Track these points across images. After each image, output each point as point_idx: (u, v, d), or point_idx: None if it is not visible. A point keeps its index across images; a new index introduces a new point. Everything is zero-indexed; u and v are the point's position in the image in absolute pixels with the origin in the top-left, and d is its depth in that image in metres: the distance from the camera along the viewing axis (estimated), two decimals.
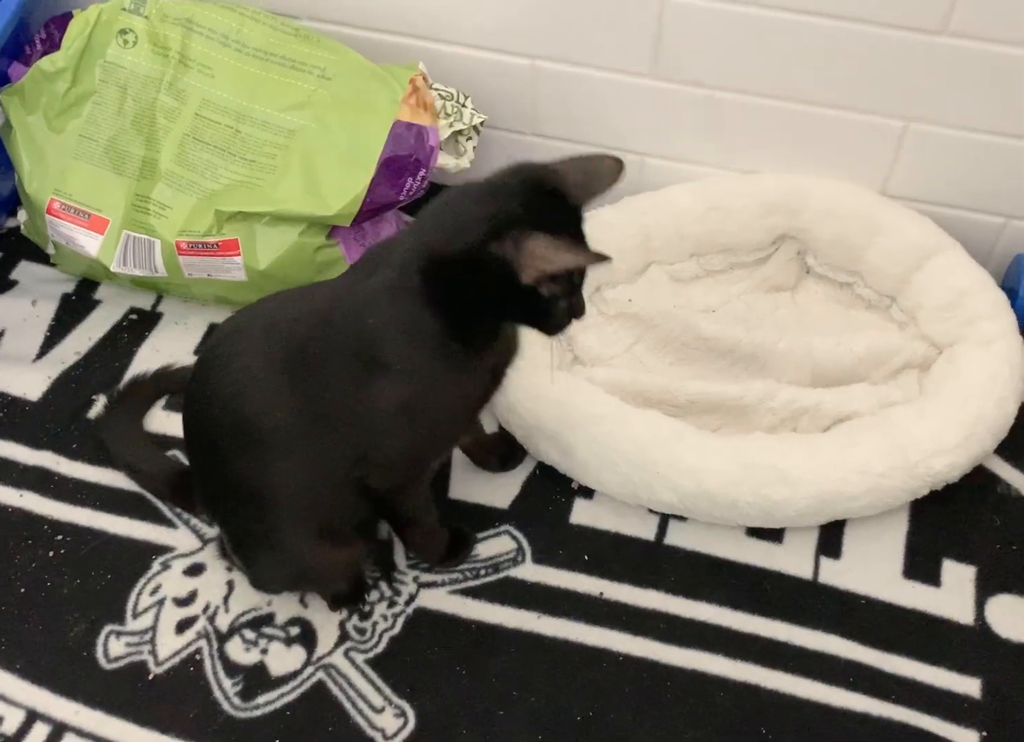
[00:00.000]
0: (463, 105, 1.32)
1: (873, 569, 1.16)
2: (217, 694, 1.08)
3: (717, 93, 1.32)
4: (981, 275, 1.30)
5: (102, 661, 1.10)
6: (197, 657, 1.10)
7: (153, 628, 1.11)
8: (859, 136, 1.32)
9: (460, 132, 1.32)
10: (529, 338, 1.25)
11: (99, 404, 1.28)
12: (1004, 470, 1.23)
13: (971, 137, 1.28)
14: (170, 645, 1.11)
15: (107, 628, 1.12)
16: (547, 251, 0.86)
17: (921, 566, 1.16)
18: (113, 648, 1.11)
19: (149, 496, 1.21)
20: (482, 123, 1.34)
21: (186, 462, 1.17)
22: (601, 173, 0.94)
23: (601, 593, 1.14)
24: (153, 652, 1.10)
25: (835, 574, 1.15)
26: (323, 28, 1.36)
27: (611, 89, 1.35)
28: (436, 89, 1.31)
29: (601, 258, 0.88)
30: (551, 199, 0.91)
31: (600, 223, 1.38)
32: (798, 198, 1.36)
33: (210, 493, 1.06)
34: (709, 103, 1.33)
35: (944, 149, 1.30)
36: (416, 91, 1.27)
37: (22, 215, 1.40)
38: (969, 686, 1.08)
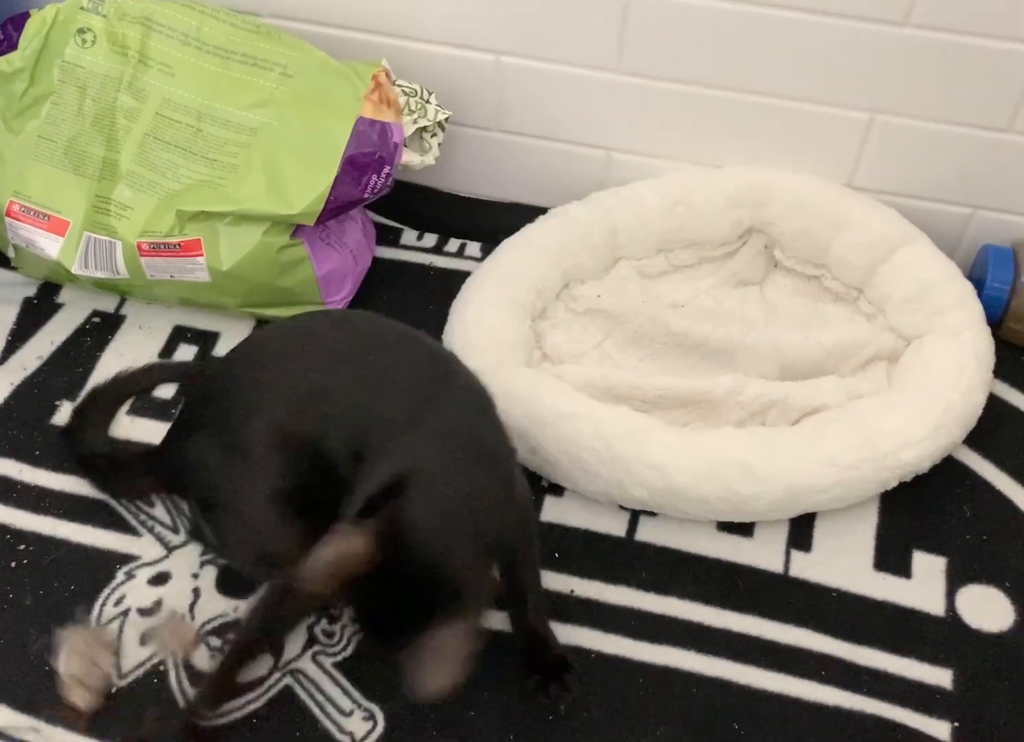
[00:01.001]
0: (427, 101, 1.31)
1: (844, 561, 1.15)
2: (182, 705, 1.06)
3: (682, 87, 1.32)
4: (948, 266, 1.30)
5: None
6: (161, 668, 1.08)
7: (117, 640, 1.09)
8: (824, 128, 1.32)
9: (425, 128, 1.32)
10: (498, 337, 1.26)
11: (63, 410, 1.27)
12: (973, 460, 1.23)
13: (937, 128, 1.29)
14: (134, 657, 1.08)
15: None
16: None
17: (891, 558, 1.16)
18: None
19: (113, 504, 1.19)
20: (447, 119, 1.33)
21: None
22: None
23: (572, 591, 1.13)
24: (116, 665, 1.08)
25: (806, 567, 1.15)
26: (285, 25, 1.35)
27: (576, 84, 1.35)
28: (399, 85, 1.30)
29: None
30: None
31: (567, 219, 1.38)
32: (764, 191, 1.36)
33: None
34: (674, 97, 1.33)
35: (910, 140, 1.31)
36: (379, 87, 1.26)
37: None
38: (941, 677, 1.07)
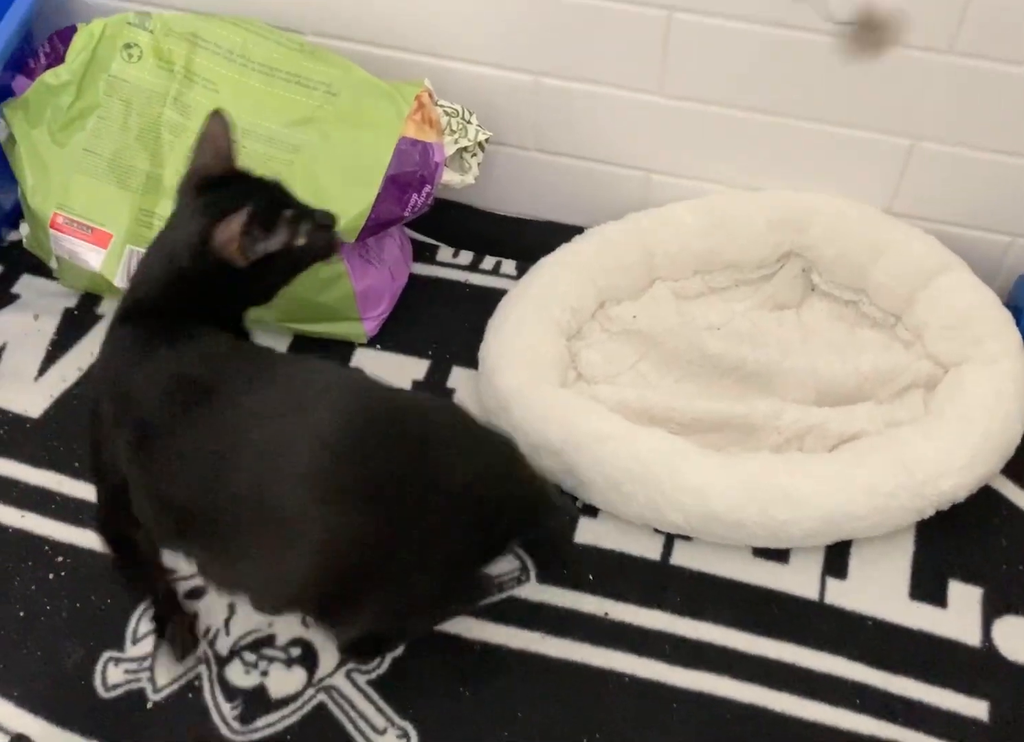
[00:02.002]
0: (468, 122, 1.32)
1: (879, 590, 1.15)
2: (216, 719, 1.06)
3: (722, 110, 1.32)
4: (987, 294, 1.30)
5: (100, 690, 1.08)
6: (196, 683, 1.09)
7: (152, 655, 1.10)
8: (865, 154, 1.32)
9: (465, 149, 1.32)
10: (533, 356, 1.26)
11: None
12: (1010, 490, 1.23)
13: (977, 156, 1.28)
14: (169, 671, 1.09)
15: (106, 655, 1.10)
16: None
17: (927, 587, 1.15)
18: (112, 676, 1.09)
19: None
20: (487, 140, 1.33)
21: None
22: (216, 134, 1.02)
23: (606, 613, 1.13)
24: (152, 679, 1.09)
25: (841, 594, 1.15)
26: (328, 44, 1.36)
27: (615, 105, 1.35)
28: (441, 106, 1.31)
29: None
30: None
31: (604, 239, 1.38)
32: (803, 215, 1.36)
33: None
34: (714, 120, 1.33)
35: (950, 168, 1.30)
36: (422, 108, 1.27)
37: (24, 228, 1.39)
38: (976, 709, 1.07)
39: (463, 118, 1.31)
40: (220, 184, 1.00)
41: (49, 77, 1.30)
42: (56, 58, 1.33)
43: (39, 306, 1.39)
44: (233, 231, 0.93)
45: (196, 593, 1.14)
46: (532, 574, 1.16)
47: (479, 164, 1.35)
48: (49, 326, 1.37)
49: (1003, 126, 1.25)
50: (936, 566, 1.17)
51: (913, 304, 1.32)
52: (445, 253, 1.49)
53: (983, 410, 1.20)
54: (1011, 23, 1.16)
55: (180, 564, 1.15)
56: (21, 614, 1.13)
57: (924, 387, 1.29)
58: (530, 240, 1.47)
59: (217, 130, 1.01)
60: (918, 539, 1.19)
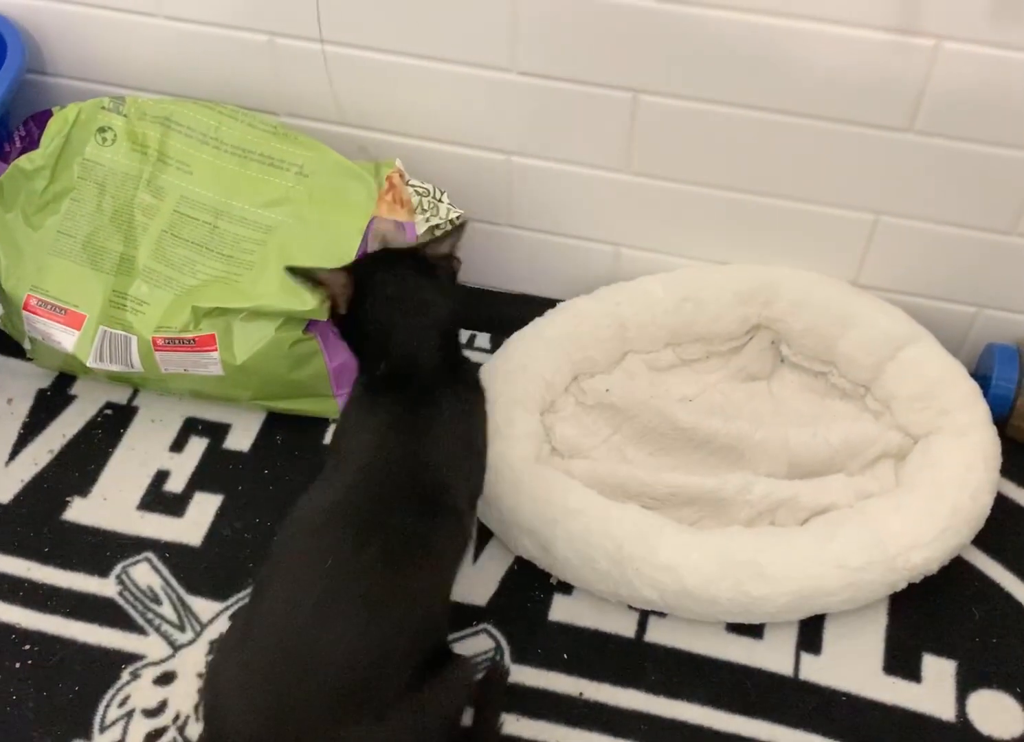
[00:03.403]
0: (439, 200, 1.33)
1: (853, 665, 1.15)
2: None
3: (690, 187, 1.35)
4: (953, 365, 1.32)
5: None
6: None
7: (121, 741, 1.09)
8: (830, 228, 1.34)
9: (437, 226, 1.34)
10: (508, 431, 1.26)
11: (73, 506, 1.27)
12: (982, 561, 1.23)
13: (941, 230, 1.31)
14: None
15: None
16: None
17: (901, 661, 1.15)
18: None
19: (120, 601, 1.19)
20: (458, 217, 1.35)
21: None
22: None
23: (581, 693, 1.13)
24: None
25: (816, 670, 1.15)
26: (301, 124, 1.38)
27: (585, 182, 1.37)
28: (412, 185, 1.32)
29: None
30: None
31: (576, 313, 1.40)
32: (770, 289, 1.38)
33: None
34: (682, 196, 1.35)
35: (914, 241, 1.33)
36: (393, 188, 1.29)
37: None
38: None
39: (434, 197, 1.33)
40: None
41: (24, 162, 1.31)
42: (31, 142, 1.34)
43: (12, 388, 1.39)
44: (447, 243, 1.06)
45: (165, 679, 1.13)
46: (507, 653, 1.16)
47: None
48: (22, 409, 1.37)
49: (964, 201, 1.28)
50: (910, 640, 1.17)
51: (881, 375, 1.33)
52: None
53: (953, 482, 1.21)
54: (967, 104, 1.18)
55: (153, 649, 1.15)
56: None
57: (895, 458, 1.30)
58: (503, 313, 1.48)
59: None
60: (891, 612, 1.19)
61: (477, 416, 1.10)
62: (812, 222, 1.34)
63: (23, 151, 1.33)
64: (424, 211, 1.32)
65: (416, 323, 1.04)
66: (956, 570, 1.21)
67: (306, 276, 1.04)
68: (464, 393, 1.08)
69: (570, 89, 1.28)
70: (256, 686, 0.93)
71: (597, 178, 1.36)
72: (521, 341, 1.38)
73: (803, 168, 1.29)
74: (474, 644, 1.16)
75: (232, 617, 1.17)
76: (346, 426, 1.07)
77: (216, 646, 1.07)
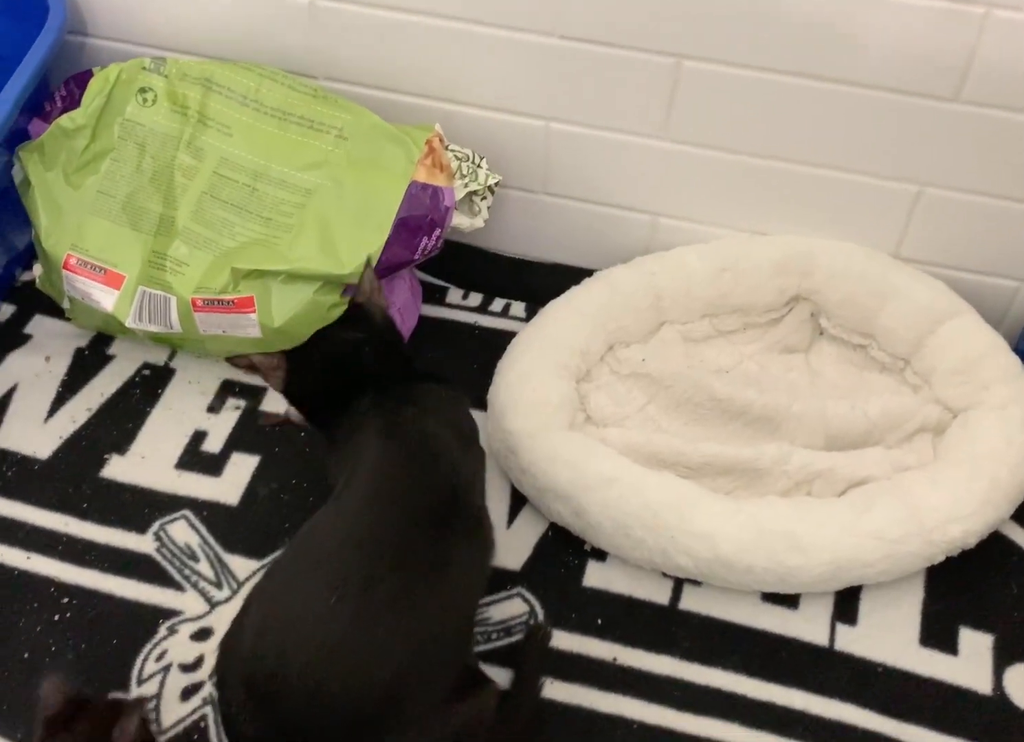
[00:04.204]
0: (478, 166, 1.33)
1: (889, 636, 1.14)
2: None
3: (730, 156, 1.33)
4: (995, 339, 1.30)
5: None
6: (202, 725, 1.08)
7: (158, 695, 1.09)
8: (872, 199, 1.33)
9: (475, 192, 1.33)
10: (542, 399, 1.26)
11: (111, 463, 1.28)
12: (1021, 537, 1.22)
13: (984, 202, 1.29)
14: (175, 712, 1.08)
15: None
16: None
17: (938, 634, 1.15)
18: None
19: (158, 558, 1.20)
20: (496, 183, 1.34)
21: None
22: None
23: (615, 658, 1.13)
24: (157, 720, 1.08)
25: (851, 641, 1.14)
26: (340, 88, 1.37)
27: (623, 150, 1.36)
28: (452, 150, 1.32)
29: None
30: None
31: (612, 282, 1.39)
32: (810, 260, 1.37)
33: None
34: (722, 165, 1.34)
35: (957, 214, 1.31)
36: (432, 152, 1.28)
37: (37, 269, 1.40)
38: None
39: (473, 162, 1.32)
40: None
41: (65, 121, 1.31)
42: (72, 102, 1.34)
43: (51, 347, 1.40)
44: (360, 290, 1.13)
45: (203, 634, 1.14)
46: (540, 618, 1.16)
47: (489, 207, 1.36)
48: (60, 367, 1.38)
49: (1009, 172, 1.26)
50: (946, 613, 1.16)
51: (921, 349, 1.32)
52: (455, 295, 1.49)
53: (993, 456, 1.20)
54: (1013, 73, 1.17)
55: (190, 605, 1.15)
56: (26, 656, 1.12)
57: (933, 432, 1.29)
58: (539, 283, 1.48)
59: None
60: (928, 585, 1.18)
61: (457, 404, 1.13)
62: (854, 193, 1.33)
63: (64, 111, 1.33)
64: (463, 176, 1.31)
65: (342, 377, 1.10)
66: (994, 544, 1.20)
67: (245, 363, 1.09)
68: (436, 390, 1.11)
69: (612, 54, 1.27)
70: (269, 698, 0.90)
71: (636, 145, 1.35)
72: (556, 310, 1.38)
73: (846, 137, 1.28)
74: (508, 608, 1.17)
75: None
76: (339, 457, 1.07)
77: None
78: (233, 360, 1.08)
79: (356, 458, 1.02)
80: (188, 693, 1.10)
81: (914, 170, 1.29)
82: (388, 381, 1.08)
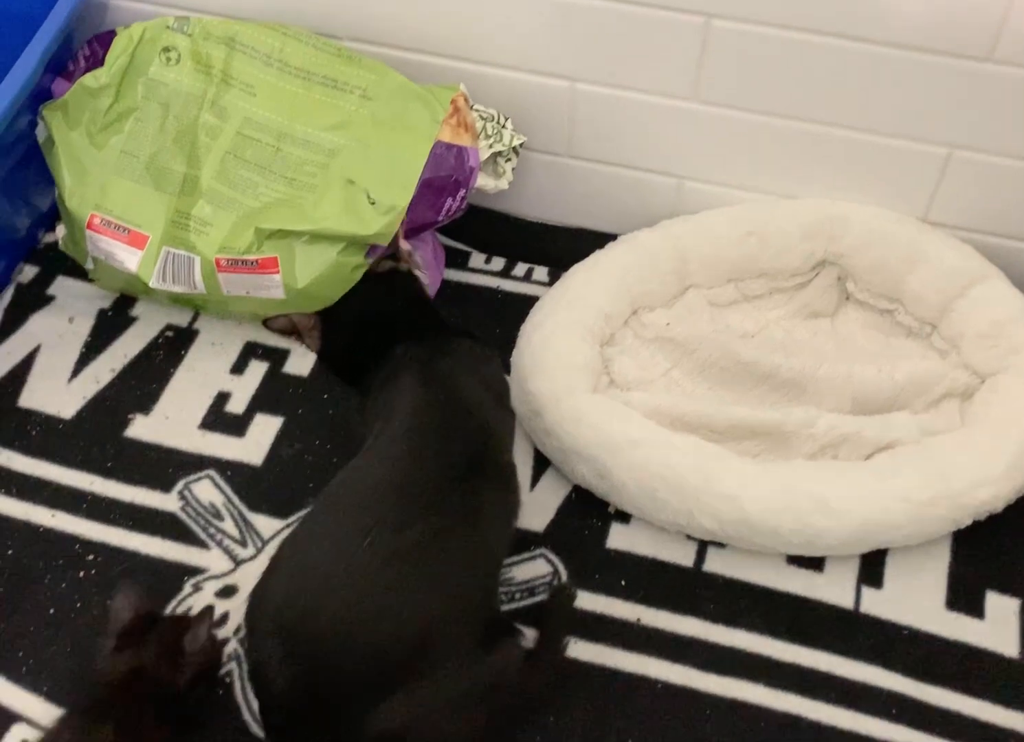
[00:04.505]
0: (503, 126, 1.32)
1: (915, 599, 1.14)
2: (247, 716, 1.06)
3: (758, 117, 1.32)
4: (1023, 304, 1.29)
5: None
6: (227, 680, 1.08)
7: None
8: (902, 162, 1.32)
9: (500, 153, 1.32)
10: (566, 362, 1.26)
11: (135, 423, 1.28)
12: None
13: (1016, 165, 1.28)
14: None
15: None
16: None
17: (964, 597, 1.14)
18: None
19: (182, 516, 1.20)
20: (521, 144, 1.34)
21: None
22: None
23: (638, 619, 1.13)
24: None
25: (877, 604, 1.14)
26: (365, 49, 1.36)
27: (650, 111, 1.35)
28: (477, 110, 1.31)
29: None
30: None
31: (637, 246, 1.38)
32: (838, 224, 1.35)
33: None
34: (749, 127, 1.33)
35: (988, 177, 1.29)
36: (457, 111, 1.27)
37: (60, 230, 1.40)
38: (1014, 720, 1.06)
39: (498, 123, 1.31)
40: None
41: (88, 80, 1.31)
42: (95, 61, 1.34)
43: (74, 308, 1.40)
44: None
45: (227, 592, 1.14)
46: (564, 579, 1.16)
47: (513, 169, 1.35)
48: (83, 328, 1.38)
49: None
50: (973, 576, 1.16)
51: (949, 313, 1.31)
52: (477, 259, 1.49)
53: (1021, 420, 1.19)
54: None
55: (215, 563, 1.16)
56: (51, 611, 1.13)
57: (960, 397, 1.28)
58: (562, 247, 1.47)
59: None
60: (955, 549, 1.18)
61: (488, 360, 1.15)
62: (883, 155, 1.31)
63: (87, 71, 1.33)
64: (488, 136, 1.30)
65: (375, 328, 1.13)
66: (1022, 508, 1.19)
67: (285, 325, 1.15)
68: (468, 344, 1.13)
69: (639, 13, 1.25)
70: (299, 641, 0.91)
71: (662, 107, 1.34)
72: (580, 273, 1.37)
73: (876, 98, 1.26)
74: (531, 568, 1.17)
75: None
76: (373, 407, 1.08)
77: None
78: (269, 322, 1.11)
79: (391, 407, 1.02)
80: None
81: (944, 132, 1.28)
82: (422, 334, 1.10)
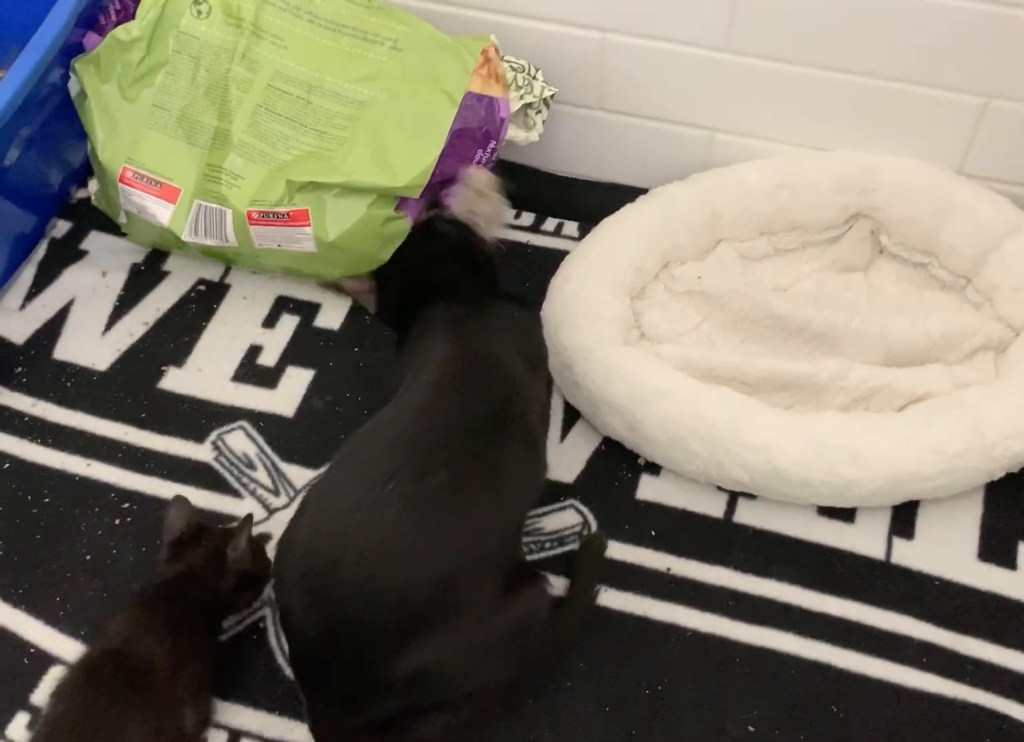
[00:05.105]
0: (534, 77, 1.31)
1: (947, 550, 1.14)
2: (280, 661, 1.08)
3: (791, 68, 1.30)
4: None
5: None
6: (260, 625, 1.10)
7: None
8: (936, 113, 1.30)
9: (530, 105, 1.32)
10: (597, 315, 1.25)
11: (169, 375, 1.29)
12: None
13: None
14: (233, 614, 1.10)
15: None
16: None
17: (996, 549, 1.14)
18: None
19: (216, 466, 1.21)
20: (552, 96, 1.33)
21: None
22: None
23: (668, 569, 1.13)
24: None
25: (908, 555, 1.13)
26: (394, 0, 1.36)
27: (681, 62, 1.34)
28: (507, 61, 1.30)
29: None
30: None
31: (668, 199, 1.37)
32: (871, 176, 1.34)
33: None
34: (782, 78, 1.32)
35: None
36: (488, 62, 1.27)
37: (93, 185, 1.41)
38: None
39: (529, 73, 1.31)
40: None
41: (120, 33, 1.31)
42: (126, 15, 1.34)
43: (107, 262, 1.41)
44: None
45: (261, 540, 1.15)
46: (593, 529, 1.16)
47: (544, 121, 1.34)
48: (116, 282, 1.39)
49: None
50: (1006, 528, 1.15)
51: (984, 266, 1.30)
52: (507, 214, 1.48)
53: None
54: None
55: (246, 511, 1.17)
56: (88, 557, 1.15)
57: (995, 350, 1.27)
58: (592, 202, 1.46)
59: None
60: (987, 501, 1.17)
61: (529, 327, 1.15)
62: (917, 106, 1.30)
63: (118, 24, 1.33)
64: (519, 88, 1.29)
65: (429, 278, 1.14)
66: None
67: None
68: (510, 309, 1.13)
69: None
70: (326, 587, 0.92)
71: (694, 57, 1.32)
72: (610, 227, 1.37)
73: (910, 48, 1.25)
74: (561, 519, 1.17)
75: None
76: (405, 360, 1.09)
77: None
78: (344, 282, 1.15)
79: (419, 361, 1.03)
80: None
81: (981, 81, 1.26)
82: (464, 293, 1.10)
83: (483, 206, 1.14)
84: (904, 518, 1.16)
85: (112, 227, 1.41)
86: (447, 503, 0.93)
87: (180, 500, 1.08)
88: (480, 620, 0.93)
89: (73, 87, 1.34)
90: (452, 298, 1.10)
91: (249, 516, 1.04)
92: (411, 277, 1.15)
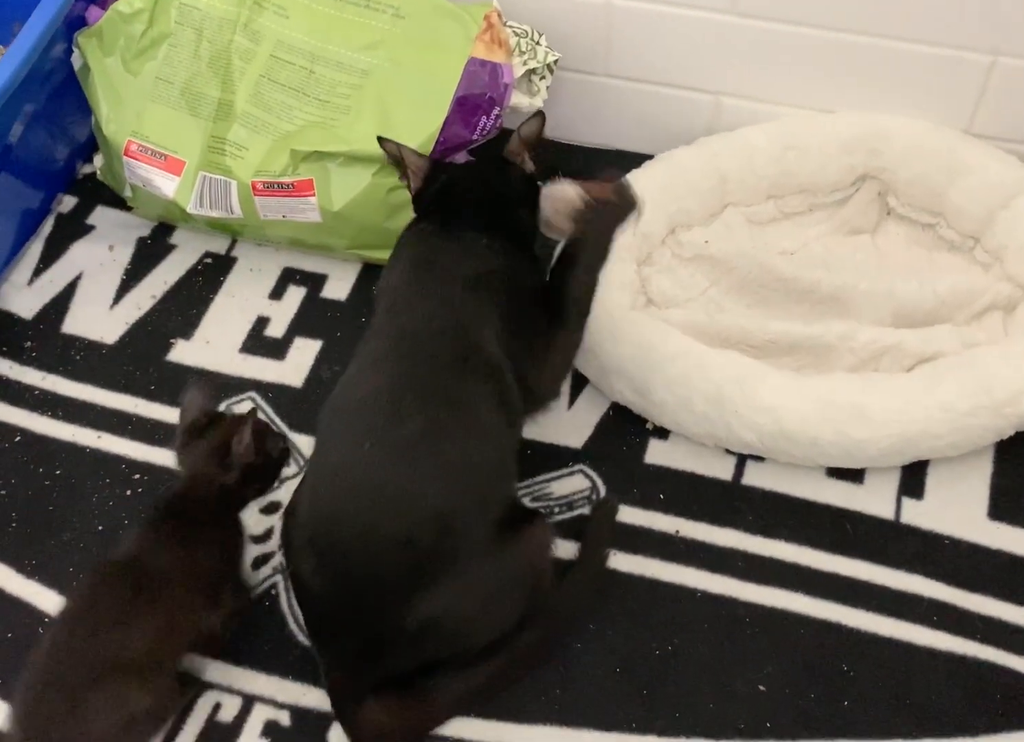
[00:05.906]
0: (537, 43, 1.31)
1: (957, 510, 1.13)
2: (292, 627, 1.08)
3: (796, 29, 1.29)
4: None
5: None
6: (273, 592, 1.11)
7: None
8: (943, 72, 1.29)
9: (533, 71, 1.31)
10: (604, 279, 1.25)
11: (177, 347, 1.30)
12: None
13: None
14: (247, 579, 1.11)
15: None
16: None
17: (1007, 507, 1.13)
18: None
19: None
20: (556, 61, 1.32)
21: None
22: None
23: (677, 531, 1.13)
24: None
25: (918, 514, 1.13)
26: None
27: (687, 26, 1.33)
28: (510, 26, 1.30)
29: None
30: None
31: (674, 164, 1.37)
32: (878, 137, 1.33)
33: None
34: (788, 40, 1.31)
35: None
36: (491, 27, 1.26)
37: (98, 161, 1.41)
38: None
39: (532, 39, 1.30)
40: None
41: (122, 5, 1.31)
42: None
43: (114, 237, 1.41)
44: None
45: (271, 508, 1.16)
46: (602, 493, 1.16)
47: (548, 87, 1.33)
48: (123, 256, 1.39)
49: None
50: (1016, 487, 1.15)
51: (992, 225, 1.29)
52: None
53: None
54: None
55: None
56: (100, 528, 1.16)
57: (1003, 309, 1.26)
58: (597, 169, 1.45)
59: None
60: (997, 460, 1.17)
61: (531, 277, 1.10)
62: (923, 65, 1.29)
63: None
64: (522, 53, 1.29)
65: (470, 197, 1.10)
66: None
67: (394, 151, 1.12)
68: (519, 255, 1.09)
69: None
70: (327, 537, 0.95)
71: (700, 20, 1.32)
72: None
73: (916, 6, 1.23)
74: (570, 483, 1.17)
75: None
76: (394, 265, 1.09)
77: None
78: (383, 142, 1.12)
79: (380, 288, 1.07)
80: (259, 563, 1.13)
81: (987, 38, 1.24)
82: (486, 226, 1.08)
83: (564, 223, 1.10)
84: (913, 478, 1.16)
85: (118, 201, 1.42)
86: (427, 445, 0.94)
87: (197, 383, 1.07)
88: (484, 560, 0.95)
89: (76, 61, 1.35)
90: (467, 225, 1.07)
91: (252, 411, 1.03)
92: (454, 186, 1.11)
